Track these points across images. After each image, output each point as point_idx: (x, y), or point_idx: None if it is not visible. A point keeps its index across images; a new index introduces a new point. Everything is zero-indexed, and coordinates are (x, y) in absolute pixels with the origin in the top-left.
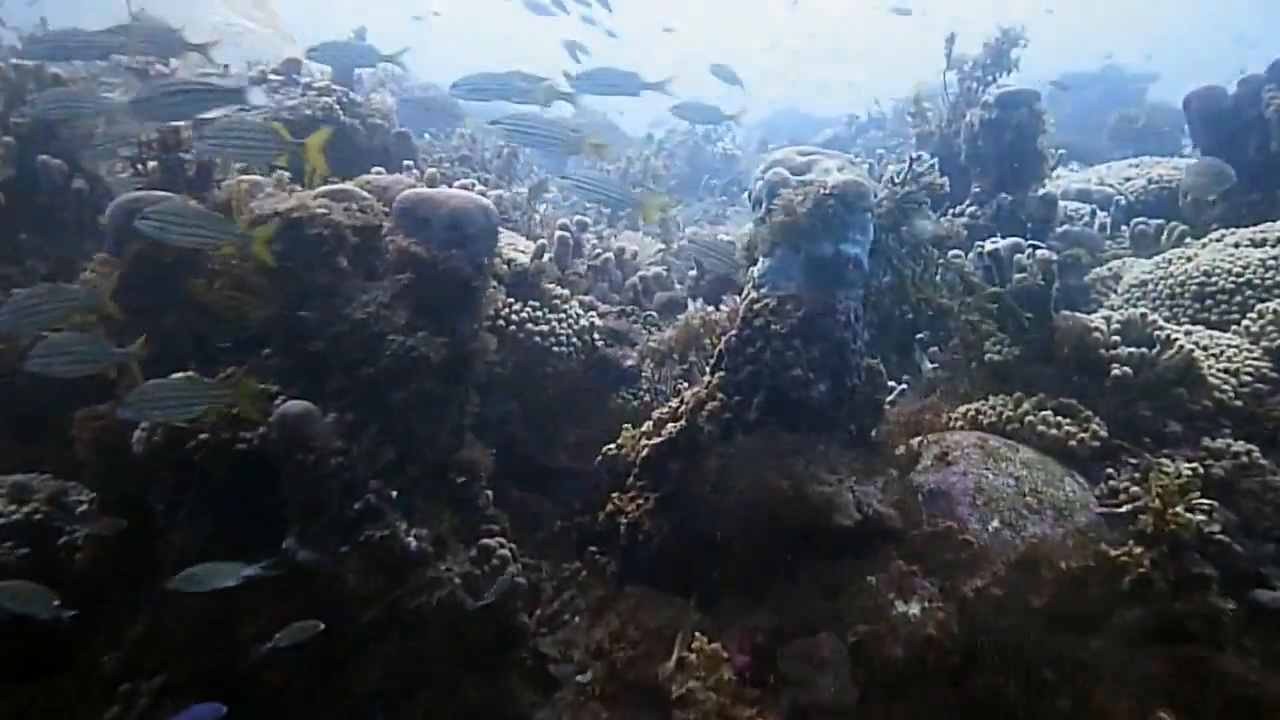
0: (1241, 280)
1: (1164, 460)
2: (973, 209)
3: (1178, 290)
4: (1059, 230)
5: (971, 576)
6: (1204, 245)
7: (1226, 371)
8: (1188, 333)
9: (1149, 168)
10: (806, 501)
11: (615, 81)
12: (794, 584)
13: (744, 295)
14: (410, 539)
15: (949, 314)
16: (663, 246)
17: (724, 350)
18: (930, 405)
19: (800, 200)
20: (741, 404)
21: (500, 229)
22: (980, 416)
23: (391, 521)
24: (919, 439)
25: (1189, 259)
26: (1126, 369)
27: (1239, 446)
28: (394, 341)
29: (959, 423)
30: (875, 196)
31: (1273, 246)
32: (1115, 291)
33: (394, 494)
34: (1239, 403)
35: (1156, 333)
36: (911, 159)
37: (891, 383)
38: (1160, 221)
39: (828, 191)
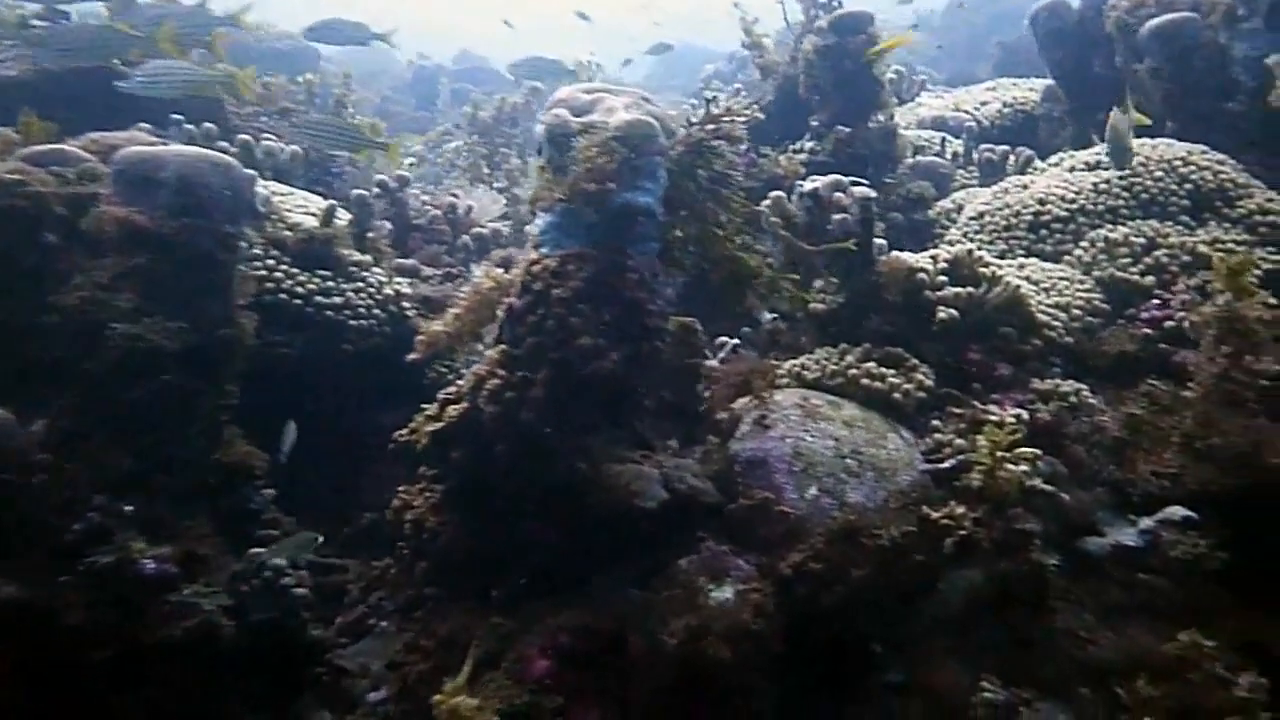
0: (1074, 207)
1: (991, 408)
2: (811, 144)
3: (1013, 221)
4: (908, 162)
5: (790, 551)
6: (1042, 171)
7: (1057, 306)
8: (1020, 266)
9: (1006, 90)
10: (607, 484)
11: (345, 32)
12: (604, 576)
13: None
14: (148, 561)
15: (755, 268)
16: (506, 201)
17: (504, 320)
18: (758, 363)
19: (581, 146)
20: (526, 380)
21: (283, 188)
22: (805, 372)
23: (123, 543)
24: (743, 402)
25: (1024, 187)
26: (952, 311)
27: (1068, 387)
28: (117, 331)
29: (786, 380)
30: (668, 138)
31: (1106, 169)
32: (955, 225)
33: (127, 509)
34: (1069, 339)
35: (982, 270)
36: (708, 100)
37: (727, 339)
38: (1005, 148)
39: (610, 134)
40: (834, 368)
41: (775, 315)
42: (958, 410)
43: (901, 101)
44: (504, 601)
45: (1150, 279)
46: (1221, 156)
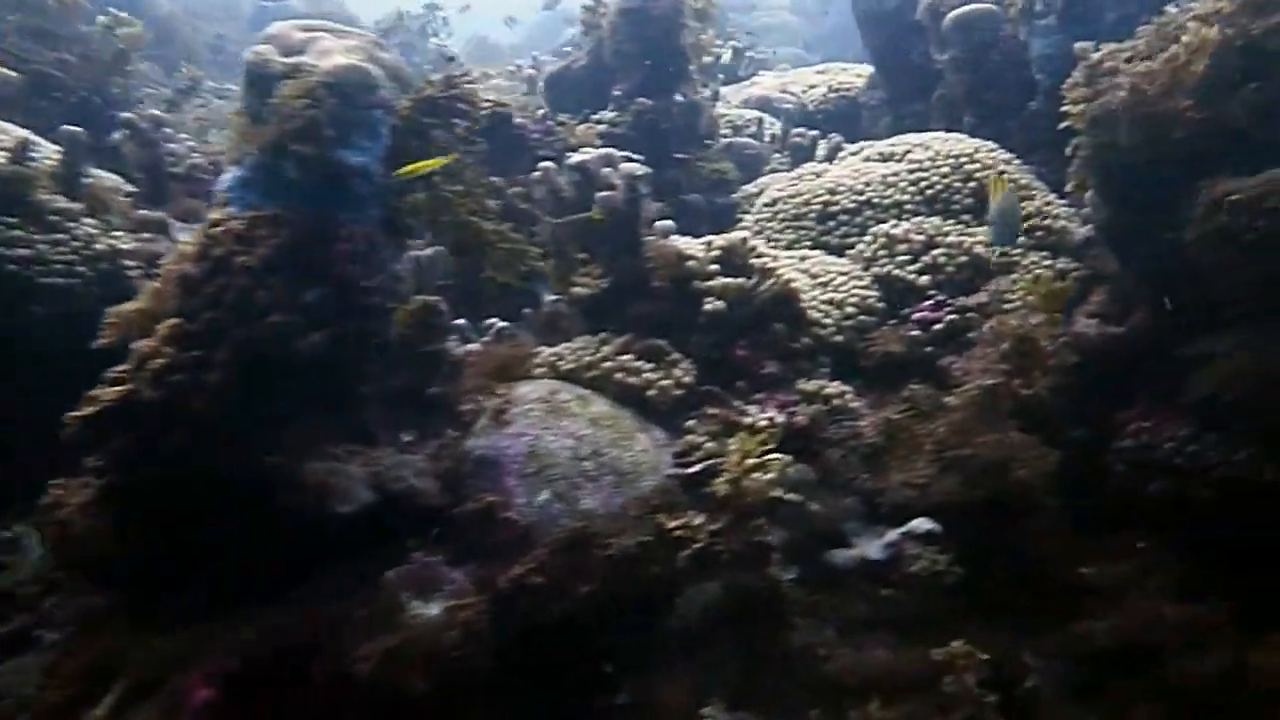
0: (862, 199)
1: (751, 408)
2: (612, 115)
3: (803, 210)
4: (724, 142)
5: (512, 562)
6: (842, 159)
7: (831, 303)
8: (802, 258)
9: (834, 74)
10: (302, 483)
11: None
12: (297, 590)
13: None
14: None
15: (488, 236)
16: None
17: (177, 289)
18: (515, 349)
19: (284, 91)
20: (200, 360)
21: None
22: (560, 362)
23: None
24: (490, 393)
25: (818, 175)
26: (719, 303)
27: (832, 388)
28: None
29: (542, 370)
30: (405, 91)
31: (898, 162)
32: (751, 212)
33: None
34: (840, 338)
35: (755, 261)
36: (448, 57)
37: (496, 320)
38: (815, 133)
39: (319, 80)
40: (590, 359)
41: (558, 296)
42: (713, 411)
43: (737, 79)
44: (171, 619)
45: (926, 278)
46: (1008, 155)
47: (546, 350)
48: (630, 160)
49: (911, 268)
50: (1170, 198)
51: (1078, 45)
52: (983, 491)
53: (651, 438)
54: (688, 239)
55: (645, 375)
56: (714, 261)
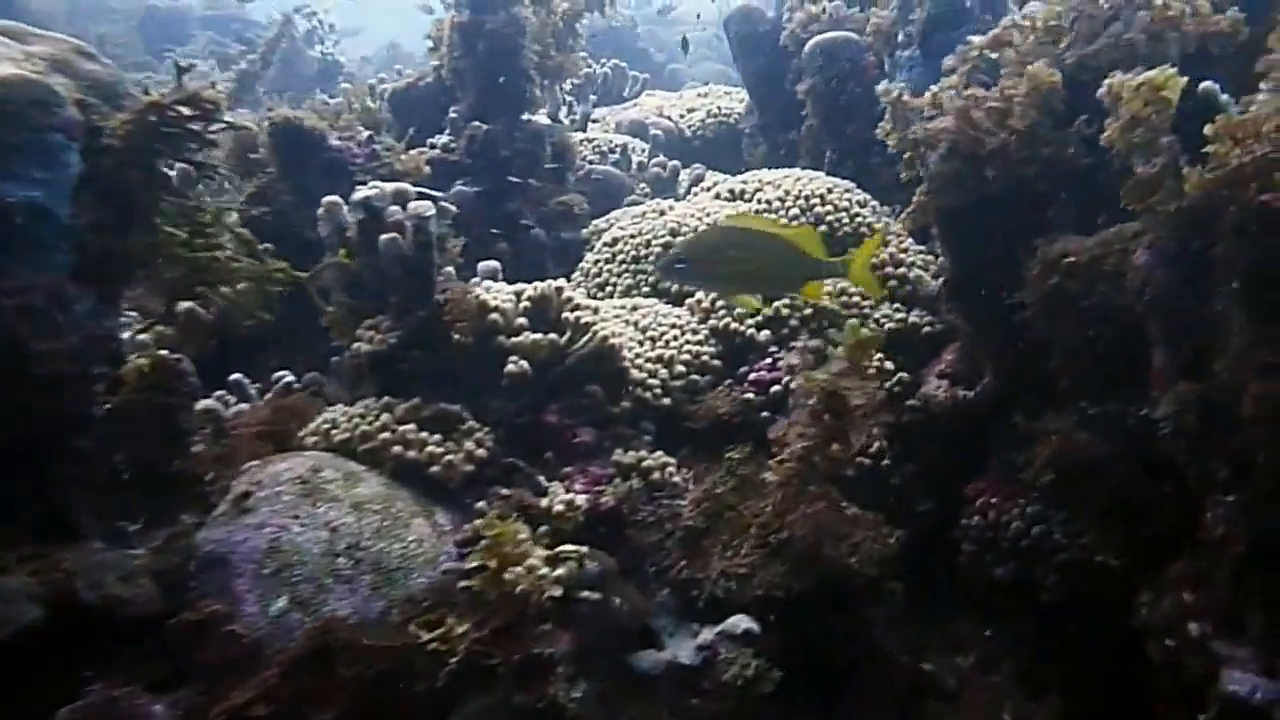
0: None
1: (556, 485)
2: (445, 140)
3: (643, 252)
4: (584, 170)
5: (235, 686)
6: (695, 195)
7: (660, 360)
8: (634, 308)
9: (716, 98)
10: None
11: None
12: None
13: None
14: None
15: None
16: None
17: None
18: (290, 411)
19: None
20: None
21: None
22: (335, 430)
23: None
24: (239, 470)
25: (662, 213)
26: (524, 364)
27: (653, 460)
28: None
29: (315, 439)
30: (103, 106)
31: (746, 201)
32: (592, 250)
33: None
34: (667, 400)
35: (571, 314)
36: (180, 67)
37: (287, 373)
38: (676, 163)
39: None
40: (367, 427)
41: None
42: (506, 492)
43: (620, 100)
44: None
45: (766, 333)
46: (864, 197)
47: (322, 415)
48: (427, 196)
49: (750, 320)
50: (1009, 250)
51: (882, 87)
52: (811, 579)
53: (433, 523)
54: (500, 286)
55: (430, 449)
56: (523, 314)
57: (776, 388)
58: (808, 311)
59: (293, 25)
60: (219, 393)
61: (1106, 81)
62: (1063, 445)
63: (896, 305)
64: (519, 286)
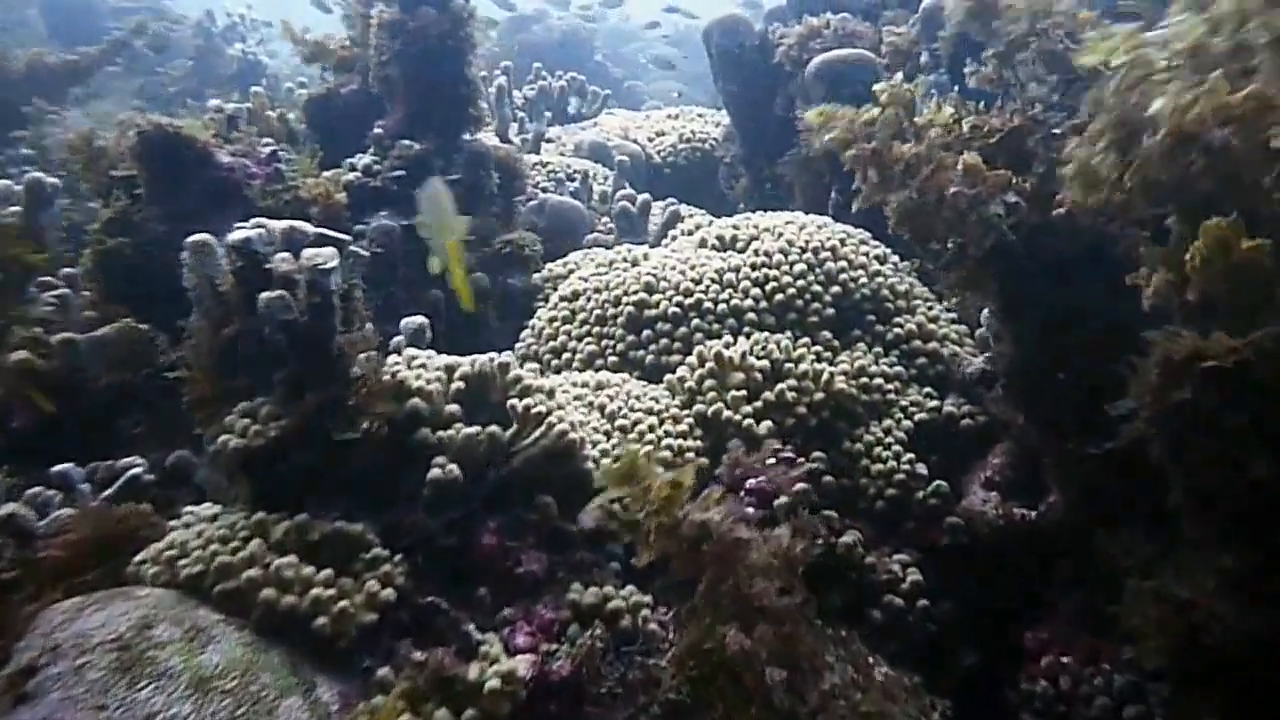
0: (689, 302)
1: (490, 638)
2: (368, 160)
3: (611, 311)
4: (536, 200)
5: None
6: (674, 238)
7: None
8: (598, 386)
9: (689, 120)
10: None
11: None
12: None
13: None
14: None
15: None
16: None
17: None
18: (126, 519)
19: None
20: None
21: None
22: (184, 560)
23: None
24: (37, 621)
25: (634, 263)
26: (454, 469)
27: (622, 600)
28: None
29: (156, 570)
30: None
31: (740, 252)
32: (547, 305)
33: None
34: (639, 514)
35: (520, 400)
36: None
37: (136, 462)
38: (646, 197)
39: None
40: (229, 557)
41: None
42: (419, 656)
43: (579, 118)
44: None
45: (767, 424)
46: (884, 251)
47: (175, 531)
48: (329, 239)
49: (747, 408)
50: (1096, 332)
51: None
52: None
53: (311, 703)
54: (427, 358)
55: (316, 592)
56: (456, 399)
57: (783, 500)
58: (818, 397)
59: (211, 19)
60: (34, 490)
61: None
62: (1191, 617)
63: (927, 390)
64: (451, 361)
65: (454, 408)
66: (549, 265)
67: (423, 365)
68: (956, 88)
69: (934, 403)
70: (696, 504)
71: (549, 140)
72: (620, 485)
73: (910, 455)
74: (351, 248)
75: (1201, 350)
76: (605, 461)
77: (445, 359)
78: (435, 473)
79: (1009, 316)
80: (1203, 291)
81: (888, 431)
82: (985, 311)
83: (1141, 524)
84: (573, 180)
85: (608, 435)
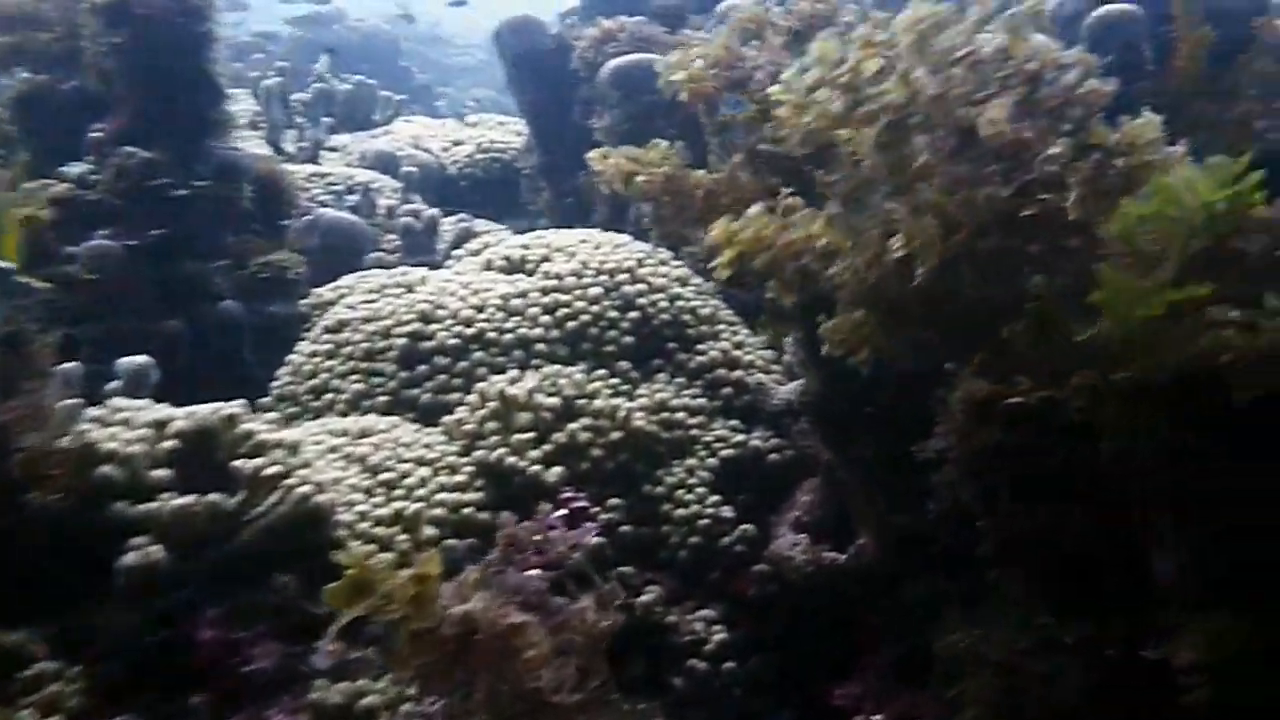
0: (470, 333)
1: None
2: (83, 169)
3: (379, 344)
4: (310, 216)
5: None
6: (457, 259)
7: (397, 520)
8: (363, 434)
9: (488, 128)
10: None
11: None
12: None
13: None
14: None
15: None
16: None
17: None
18: None
19: None
20: None
21: None
22: None
23: None
24: None
25: (409, 288)
26: (154, 549)
27: (378, 696)
28: None
29: None
30: None
31: (529, 275)
32: (308, 339)
33: None
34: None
35: (246, 461)
36: None
37: None
38: (435, 212)
39: None
40: None
41: None
42: None
43: (369, 125)
44: None
45: (558, 471)
46: (685, 272)
47: None
48: None
49: (535, 452)
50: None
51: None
52: None
53: None
54: (137, 410)
55: None
56: (167, 462)
57: (575, 558)
58: (615, 436)
59: None
60: None
61: None
62: (1004, 677)
63: (734, 423)
64: (165, 414)
65: (162, 473)
66: (318, 291)
67: (125, 421)
68: None
69: (740, 436)
70: (453, 592)
71: (334, 149)
72: (352, 603)
73: (716, 497)
74: (20, 279)
75: (1006, 389)
76: (348, 563)
77: (158, 411)
78: (130, 558)
79: (813, 345)
80: None
81: (691, 471)
82: (790, 337)
83: (954, 572)
84: (354, 193)
85: (369, 493)
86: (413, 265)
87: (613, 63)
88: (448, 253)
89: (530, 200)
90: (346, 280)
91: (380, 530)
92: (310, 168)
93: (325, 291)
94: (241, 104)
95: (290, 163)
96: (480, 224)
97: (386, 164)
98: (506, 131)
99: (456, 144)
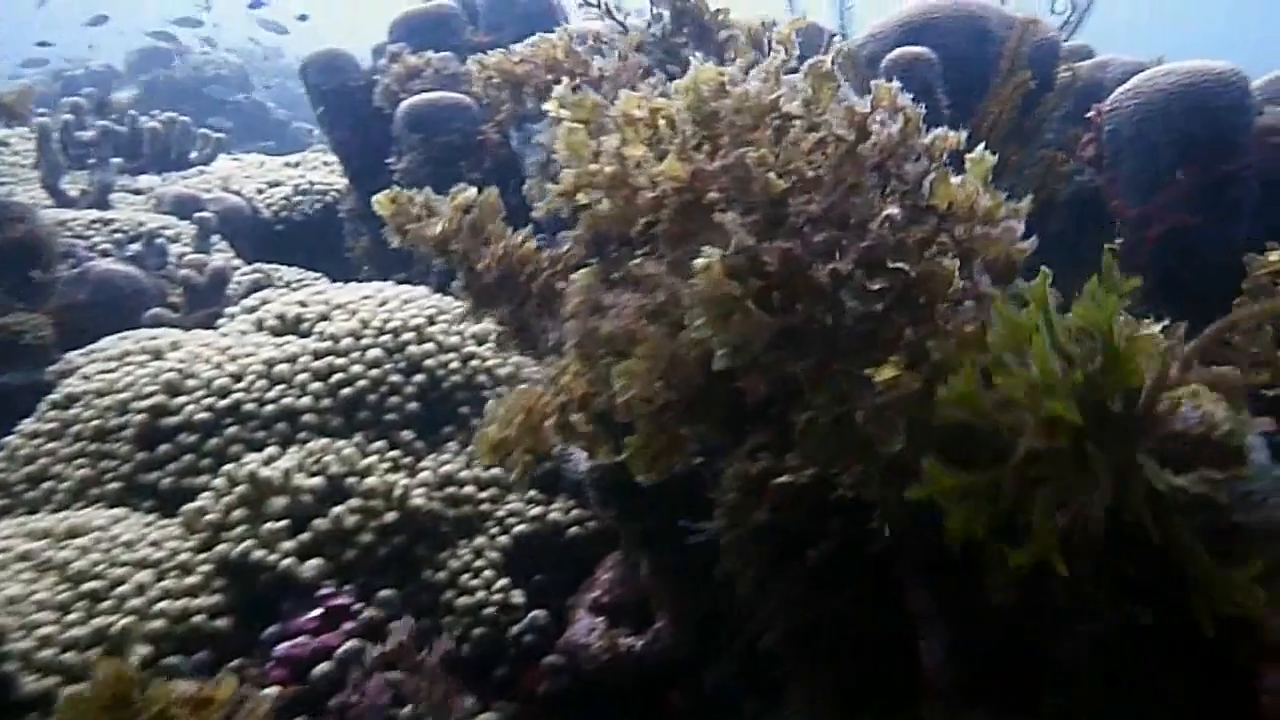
0: (225, 404)
1: None
2: None
3: (113, 422)
4: (78, 269)
5: None
6: (233, 317)
7: (100, 641)
8: (70, 533)
9: (311, 168)
10: None
11: None
12: None
13: None
14: None
15: None
16: None
17: None
18: None
19: None
20: None
21: None
22: None
23: None
24: None
25: (157, 354)
26: None
27: None
28: None
29: None
30: None
31: (304, 335)
32: (36, 416)
33: None
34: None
35: None
36: None
37: None
38: (218, 262)
39: None
40: None
41: None
42: None
43: (184, 164)
44: None
45: (316, 564)
46: (485, 328)
47: None
48: None
49: (290, 543)
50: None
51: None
52: None
53: None
54: None
55: None
56: None
57: (326, 665)
58: (390, 518)
59: None
60: None
61: None
62: None
63: (533, 494)
64: None
65: None
66: (69, 356)
67: None
68: None
69: (538, 509)
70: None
71: (139, 192)
72: None
73: (505, 580)
74: None
75: (780, 466)
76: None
77: None
78: None
79: (600, 418)
80: None
81: (479, 552)
82: None
83: (753, 658)
84: (136, 242)
85: (64, 609)
86: (192, 325)
87: (408, 102)
88: (244, 306)
89: (347, 248)
90: (103, 344)
91: (71, 657)
92: (93, 213)
93: (77, 356)
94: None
95: (70, 208)
96: (292, 273)
97: (185, 208)
98: (332, 172)
99: (273, 185)
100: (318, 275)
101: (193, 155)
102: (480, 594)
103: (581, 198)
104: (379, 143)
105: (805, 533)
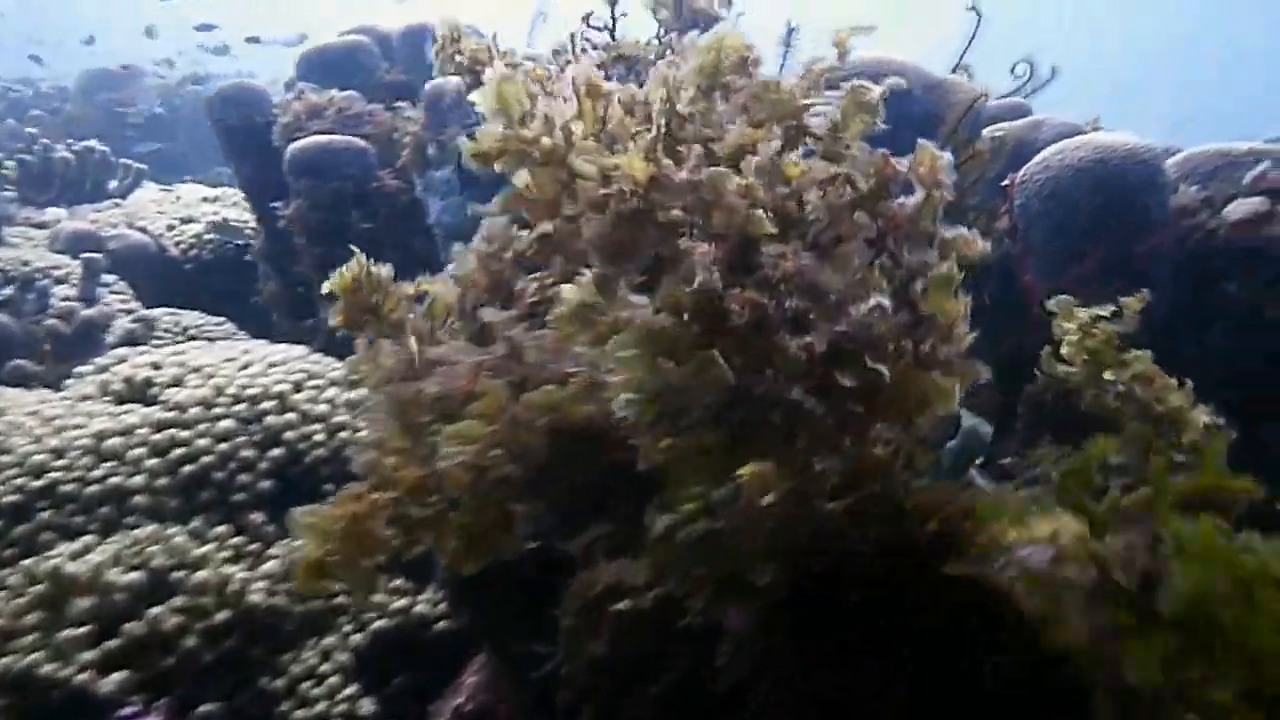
0: (38, 485)
1: None
2: None
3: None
4: None
5: None
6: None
7: None
8: None
9: (227, 205)
10: None
11: None
12: None
13: None
14: None
15: None
16: None
17: None
18: None
19: None
20: None
21: None
22: None
23: None
24: None
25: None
26: None
27: None
28: None
29: None
30: None
31: (147, 403)
32: None
33: None
34: None
35: None
36: None
37: None
38: (89, 310)
39: None
40: None
41: None
42: None
43: (101, 196)
44: None
45: (120, 676)
46: (361, 393)
47: None
48: None
49: (92, 653)
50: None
51: None
52: None
53: None
54: None
55: None
56: None
57: None
58: (221, 617)
59: None
60: None
61: None
62: None
63: (399, 583)
64: None
65: None
66: None
67: None
68: (465, 192)
69: (404, 601)
70: None
71: (41, 226)
72: None
73: (354, 687)
74: None
75: (622, 585)
76: None
77: None
78: None
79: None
80: None
81: (327, 654)
82: None
83: None
84: (10, 285)
85: None
86: (55, 379)
87: (297, 144)
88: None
89: (255, 293)
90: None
91: None
92: None
93: None
94: None
95: None
96: (192, 317)
97: (82, 246)
98: (247, 210)
99: (186, 222)
100: (220, 321)
101: (111, 185)
102: (321, 705)
103: (501, 166)
104: (282, 182)
105: (649, 657)
